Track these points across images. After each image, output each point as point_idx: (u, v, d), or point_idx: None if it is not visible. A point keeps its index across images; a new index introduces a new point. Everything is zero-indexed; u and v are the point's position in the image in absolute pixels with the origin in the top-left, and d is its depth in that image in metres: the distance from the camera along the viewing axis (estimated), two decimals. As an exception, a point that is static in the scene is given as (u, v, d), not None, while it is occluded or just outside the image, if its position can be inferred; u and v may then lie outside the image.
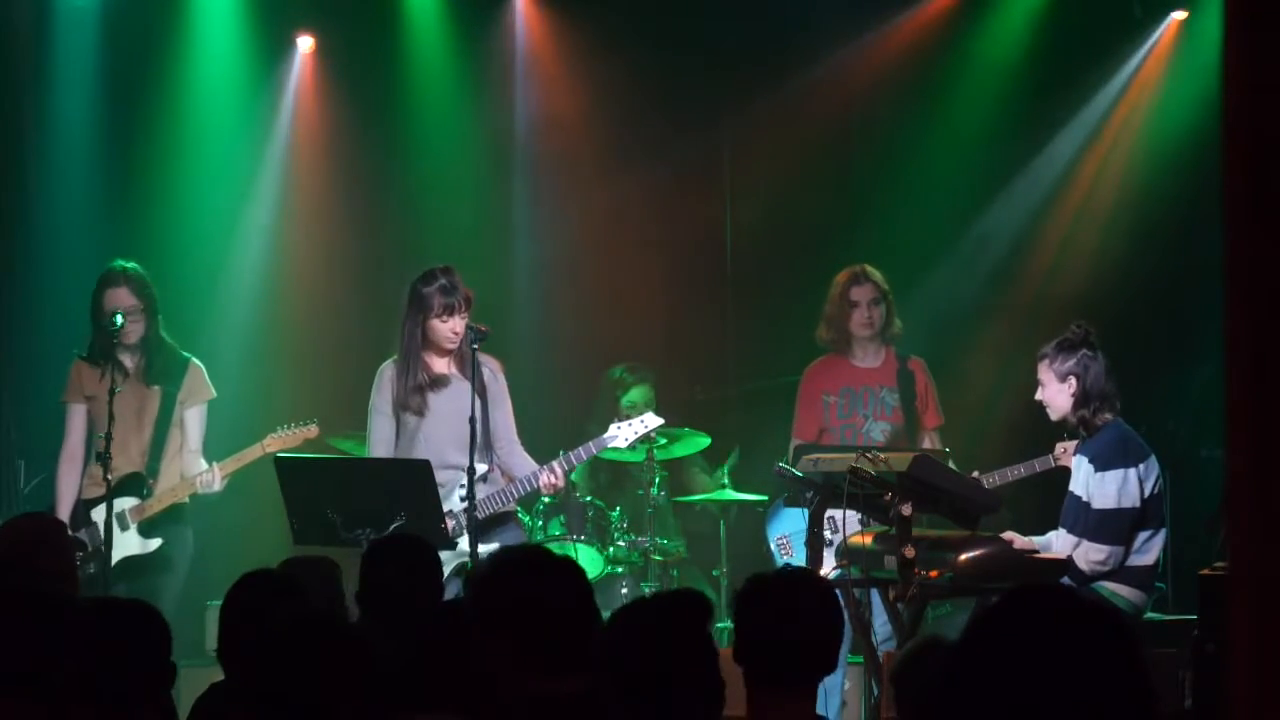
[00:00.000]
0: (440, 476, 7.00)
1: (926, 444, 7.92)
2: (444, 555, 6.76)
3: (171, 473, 7.68)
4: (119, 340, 7.55)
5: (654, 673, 3.50)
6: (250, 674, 3.62)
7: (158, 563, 7.61)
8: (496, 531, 7.19)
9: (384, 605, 4.70)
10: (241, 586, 4.34)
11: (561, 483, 7.32)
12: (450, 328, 7.22)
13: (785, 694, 3.57)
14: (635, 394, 8.87)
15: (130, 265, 7.74)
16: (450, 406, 7.21)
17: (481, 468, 7.12)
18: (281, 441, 7.68)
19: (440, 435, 7.17)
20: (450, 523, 7.01)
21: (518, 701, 3.31)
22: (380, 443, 7.28)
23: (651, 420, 7.54)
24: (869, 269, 8.04)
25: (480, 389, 7.20)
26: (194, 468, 7.72)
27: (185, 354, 7.78)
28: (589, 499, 8.41)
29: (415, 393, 7.21)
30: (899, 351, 8.09)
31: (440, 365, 7.29)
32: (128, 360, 7.68)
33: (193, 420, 7.78)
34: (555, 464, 7.24)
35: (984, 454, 7.71)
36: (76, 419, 7.72)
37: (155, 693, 3.65)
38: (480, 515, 7.04)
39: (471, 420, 6.90)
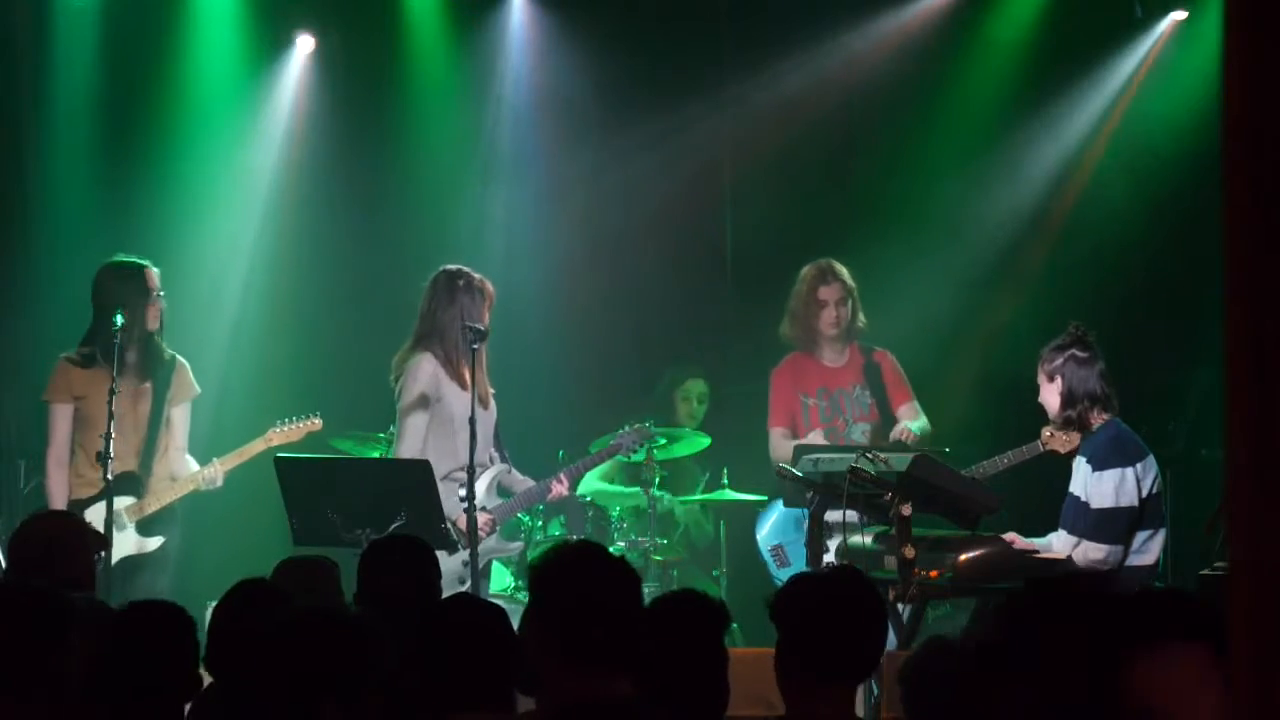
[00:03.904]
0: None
1: (907, 417, 7.90)
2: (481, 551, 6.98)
3: (161, 471, 7.63)
4: (115, 336, 7.31)
5: (666, 674, 3.49)
6: (238, 679, 3.61)
7: (159, 562, 7.57)
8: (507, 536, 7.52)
9: (381, 606, 4.69)
10: (233, 595, 4.33)
11: (568, 491, 7.52)
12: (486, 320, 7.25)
13: (828, 692, 3.54)
14: (694, 387, 9.01)
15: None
16: (481, 405, 7.24)
17: (503, 469, 7.29)
18: (285, 435, 7.64)
19: (479, 432, 7.14)
20: (484, 517, 7.13)
21: (565, 702, 3.28)
22: (417, 440, 7.21)
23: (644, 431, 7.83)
24: (836, 266, 8.02)
25: (484, 395, 7.24)
26: (180, 466, 7.66)
27: (171, 351, 7.70)
28: (587, 498, 8.42)
29: (472, 387, 7.12)
30: (862, 344, 8.07)
31: None
32: (128, 356, 7.51)
33: (180, 418, 7.68)
34: (563, 474, 7.43)
35: (976, 450, 7.73)
36: (64, 419, 7.53)
37: (177, 699, 3.61)
38: (507, 518, 7.35)
39: (471, 420, 6.91)
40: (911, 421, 7.82)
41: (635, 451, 7.87)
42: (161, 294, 7.60)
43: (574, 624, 3.29)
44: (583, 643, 3.28)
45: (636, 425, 7.81)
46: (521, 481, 7.49)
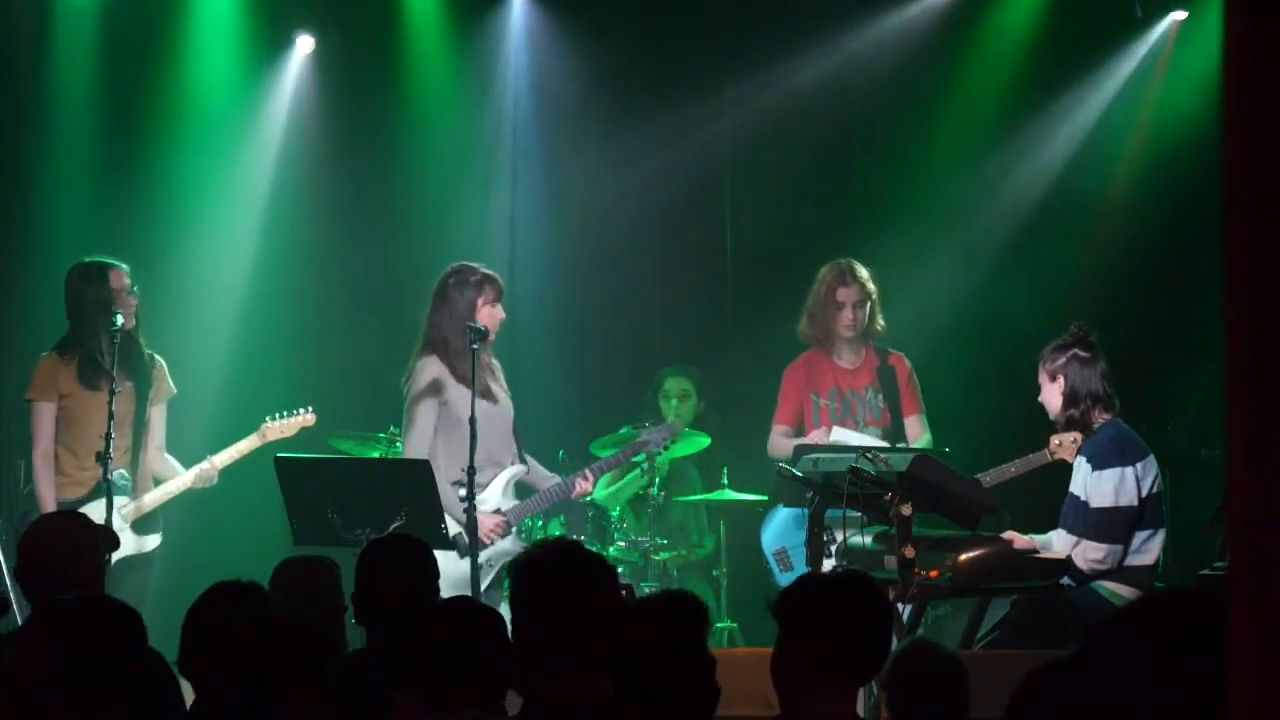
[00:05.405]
0: (483, 476, 7.04)
1: (912, 431, 7.90)
2: (487, 554, 6.98)
3: (145, 471, 7.60)
4: (115, 336, 7.29)
5: (651, 676, 3.49)
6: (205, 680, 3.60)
7: (154, 561, 7.57)
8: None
9: (379, 606, 4.69)
10: (207, 597, 4.32)
11: (592, 488, 7.55)
12: (498, 315, 7.24)
13: (830, 693, 3.53)
14: (673, 385, 9.04)
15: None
16: (490, 404, 7.23)
17: (520, 470, 7.27)
18: (279, 430, 7.63)
19: (488, 432, 7.14)
20: (497, 519, 7.15)
21: (542, 702, 3.28)
22: (424, 442, 7.21)
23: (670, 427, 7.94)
24: (855, 267, 7.97)
25: (487, 392, 7.25)
26: (160, 465, 7.65)
27: (150, 350, 7.66)
28: (588, 498, 8.43)
29: (481, 385, 7.12)
30: (878, 346, 8.05)
31: None
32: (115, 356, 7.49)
33: (158, 418, 7.67)
34: (589, 470, 7.46)
35: (975, 444, 7.72)
36: (48, 418, 7.47)
37: (126, 692, 3.57)
38: (522, 519, 7.34)
39: (471, 420, 6.90)
40: (915, 442, 7.83)
41: (664, 448, 7.91)
42: (135, 291, 7.55)
43: (546, 623, 3.30)
44: (555, 642, 3.28)
45: (664, 422, 7.83)
46: (546, 478, 7.47)
